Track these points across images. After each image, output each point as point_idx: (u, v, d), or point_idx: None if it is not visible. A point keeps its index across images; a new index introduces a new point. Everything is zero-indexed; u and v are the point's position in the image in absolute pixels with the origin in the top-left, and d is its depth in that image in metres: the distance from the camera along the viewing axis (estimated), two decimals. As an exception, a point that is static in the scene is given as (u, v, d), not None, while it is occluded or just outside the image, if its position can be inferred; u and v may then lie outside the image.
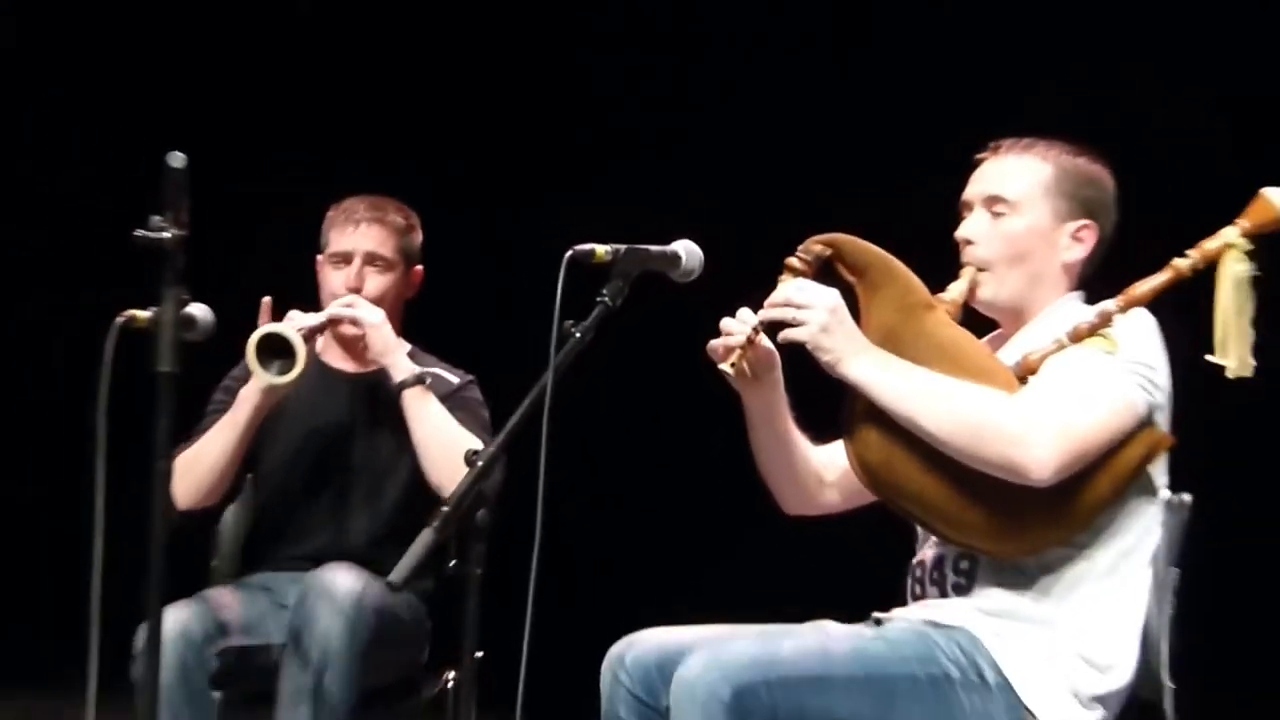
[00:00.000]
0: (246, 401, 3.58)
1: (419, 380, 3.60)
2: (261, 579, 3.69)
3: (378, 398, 3.70)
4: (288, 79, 7.55)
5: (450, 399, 3.65)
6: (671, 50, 7.22)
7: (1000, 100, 3.67)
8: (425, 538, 2.65)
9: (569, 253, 2.79)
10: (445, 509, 2.68)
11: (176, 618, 3.17)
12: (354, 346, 3.73)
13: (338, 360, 3.81)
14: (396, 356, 3.63)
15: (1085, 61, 6.28)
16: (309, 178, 4.05)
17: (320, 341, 3.76)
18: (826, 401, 3.08)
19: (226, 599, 3.55)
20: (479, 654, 3.26)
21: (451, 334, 3.90)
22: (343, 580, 3.36)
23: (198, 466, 3.57)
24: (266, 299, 3.53)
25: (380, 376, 3.68)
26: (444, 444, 3.53)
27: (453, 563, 2.75)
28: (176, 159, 2.61)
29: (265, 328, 3.46)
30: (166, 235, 2.66)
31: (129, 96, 7.42)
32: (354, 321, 3.63)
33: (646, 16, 7.18)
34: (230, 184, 3.75)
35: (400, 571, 2.65)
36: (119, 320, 2.78)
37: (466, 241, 5.80)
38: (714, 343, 3.02)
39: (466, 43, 7.38)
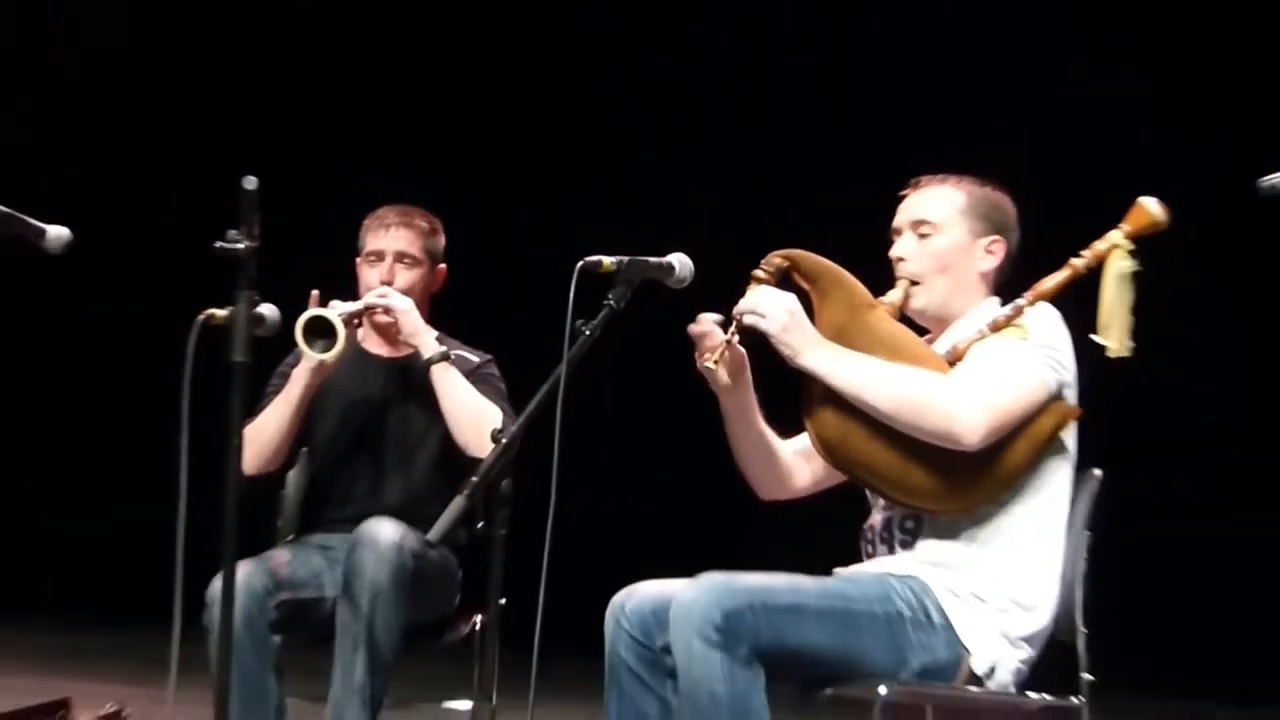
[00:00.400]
0: (298, 380, 3.59)
1: (445, 357, 3.60)
2: (318, 539, 3.70)
3: (410, 378, 3.71)
4: (332, 114, 7.62)
5: (472, 374, 3.65)
6: (670, 96, 7.30)
7: (920, 143, 3.69)
8: (458, 503, 2.68)
9: (580, 263, 2.82)
10: (474, 479, 2.71)
11: (243, 573, 3.15)
12: (389, 333, 3.73)
13: (375, 347, 3.81)
14: (425, 337, 3.62)
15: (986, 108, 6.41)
16: (352, 194, 4.04)
17: (360, 332, 3.76)
18: (789, 402, 3.13)
19: (284, 558, 3.56)
20: (502, 601, 3.34)
21: (479, 334, 3.91)
22: (385, 531, 3.35)
23: (260, 437, 3.57)
24: (314, 291, 3.53)
25: (412, 360, 3.69)
26: (468, 411, 3.55)
27: (480, 524, 2.79)
28: (249, 182, 2.66)
29: (311, 311, 3.45)
30: (240, 246, 2.70)
31: (208, 132, 7.49)
32: (386, 309, 3.63)
33: (652, 60, 7.25)
34: (287, 200, 3.75)
35: (437, 531, 2.68)
36: (200, 318, 2.81)
37: (494, 255, 5.83)
38: (693, 332, 3.05)
39: (499, 81, 7.44)
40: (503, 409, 3.58)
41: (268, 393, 3.66)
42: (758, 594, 2.88)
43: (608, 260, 2.85)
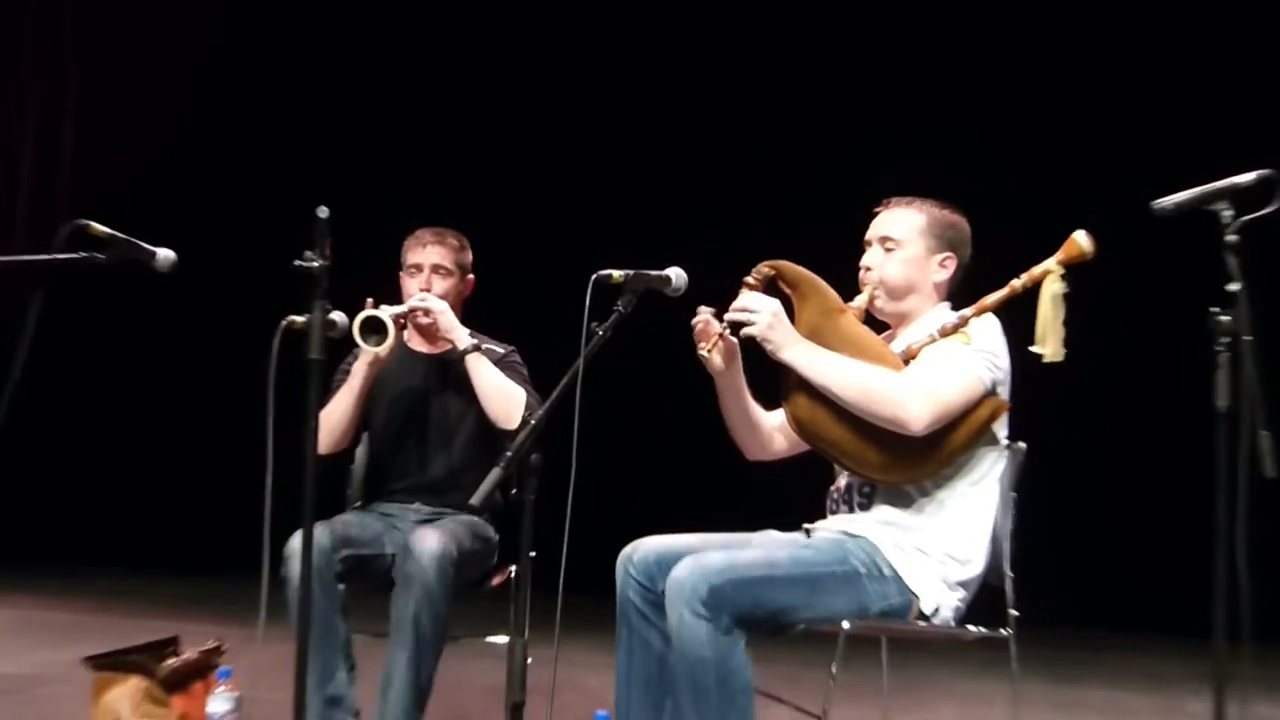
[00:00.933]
0: (358, 373, 3.60)
1: (476, 348, 3.60)
2: (380, 507, 3.69)
3: (448, 370, 3.70)
4: (379, 149, 7.64)
5: (500, 362, 3.64)
6: (674, 134, 7.33)
7: (887, 170, 3.68)
8: (495, 473, 2.68)
9: (594, 276, 2.82)
10: (508, 454, 2.71)
11: (318, 536, 3.15)
12: (429, 333, 3.72)
13: (419, 346, 3.80)
14: (458, 333, 3.61)
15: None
16: (395, 220, 4.04)
17: (406, 333, 3.76)
18: (771, 384, 3.14)
19: (348, 520, 3.57)
20: (533, 554, 3.33)
21: (510, 338, 3.91)
22: (430, 544, 3.32)
23: (330, 422, 3.56)
24: (369, 299, 3.53)
25: (449, 355, 3.68)
26: (498, 392, 3.55)
27: (514, 491, 2.78)
28: (322, 211, 2.65)
29: (365, 312, 3.46)
30: (315, 264, 2.69)
31: (285, 171, 7.51)
32: (426, 311, 3.62)
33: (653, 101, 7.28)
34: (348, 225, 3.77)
35: (478, 496, 2.68)
36: (283, 323, 2.80)
37: (522, 271, 5.82)
38: (703, 332, 3.05)
39: (526, 122, 7.49)
40: (526, 389, 3.59)
41: (334, 386, 3.66)
42: (735, 569, 2.86)
43: (616, 273, 2.85)
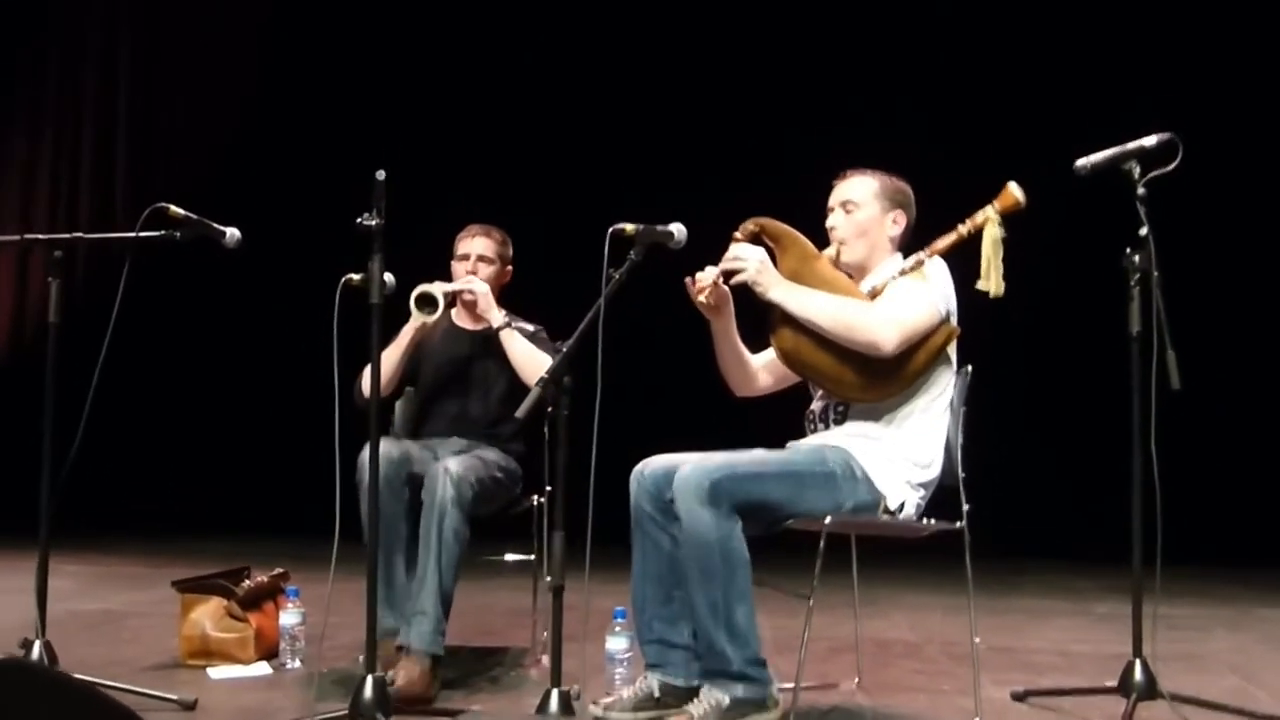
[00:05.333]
0: (406, 334, 3.60)
1: (508, 324, 3.63)
2: (425, 442, 3.68)
3: (487, 343, 3.70)
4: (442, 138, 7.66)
5: (530, 338, 3.66)
6: (679, 105, 7.42)
7: (849, 144, 3.72)
8: (535, 391, 2.69)
9: (610, 229, 2.83)
10: (545, 376, 2.72)
11: (383, 447, 3.06)
12: (472, 311, 3.73)
13: (463, 322, 3.81)
14: (495, 313, 3.65)
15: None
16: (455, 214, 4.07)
17: (454, 312, 3.80)
18: (755, 328, 3.17)
19: (412, 447, 3.56)
20: (548, 489, 3.36)
21: (541, 282, 3.94)
22: (451, 467, 3.35)
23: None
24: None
25: (488, 332, 3.69)
26: (529, 359, 3.57)
27: (549, 409, 2.79)
28: (380, 174, 2.65)
29: (422, 287, 3.50)
30: (373, 224, 2.70)
31: (350, 135, 7.50)
32: (470, 292, 3.66)
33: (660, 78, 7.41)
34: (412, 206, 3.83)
35: (522, 409, 2.69)
36: (344, 280, 2.81)
37: (552, 225, 5.84)
38: (690, 282, 3.07)
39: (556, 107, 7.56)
40: (552, 356, 3.58)
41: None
42: (730, 466, 2.89)
43: (630, 227, 2.86)
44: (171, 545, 6.74)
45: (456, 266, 3.78)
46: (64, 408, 3.22)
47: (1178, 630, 4.25)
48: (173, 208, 3.25)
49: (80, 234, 3.23)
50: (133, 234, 3.21)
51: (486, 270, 3.74)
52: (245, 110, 8.26)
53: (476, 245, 3.76)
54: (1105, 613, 4.95)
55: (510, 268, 3.84)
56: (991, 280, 3.01)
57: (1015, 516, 4.24)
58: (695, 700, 2.88)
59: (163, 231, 3.24)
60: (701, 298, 3.06)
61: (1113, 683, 3.11)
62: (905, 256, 3.13)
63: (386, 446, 3.25)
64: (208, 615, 3.67)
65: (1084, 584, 5.75)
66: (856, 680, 3.49)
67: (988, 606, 4.99)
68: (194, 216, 3.27)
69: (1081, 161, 3.07)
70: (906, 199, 3.20)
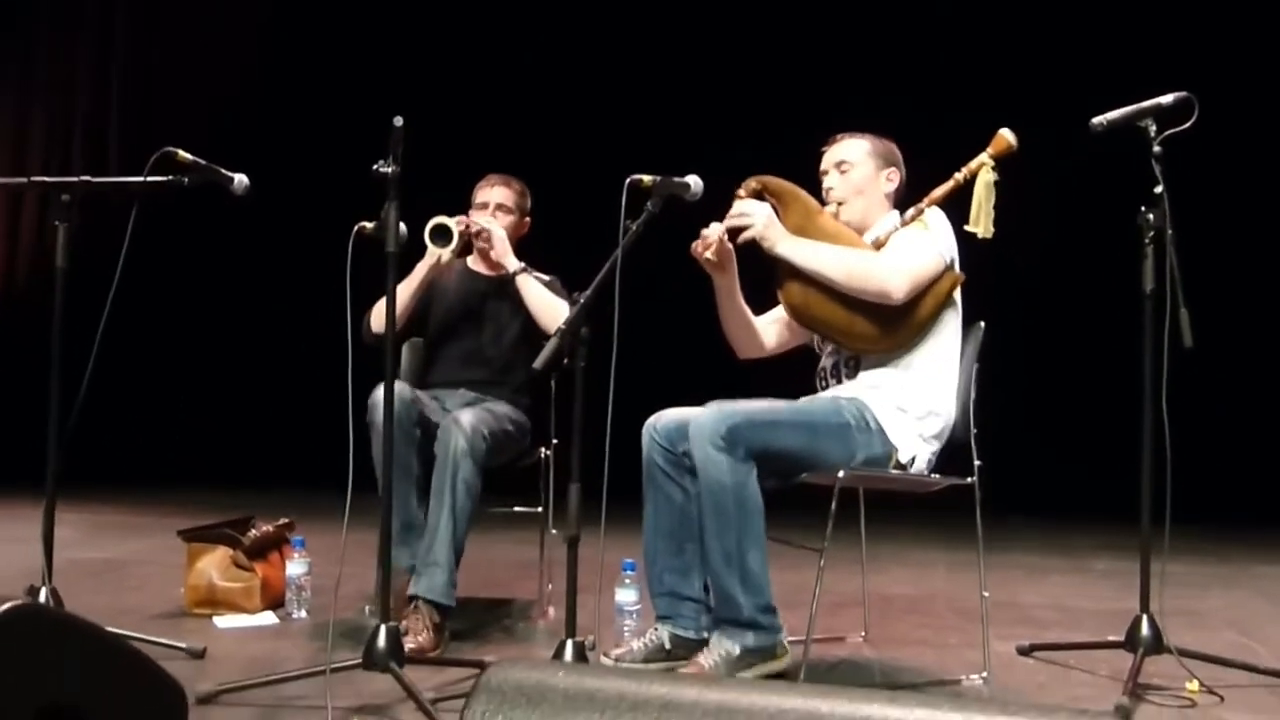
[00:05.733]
0: (419, 271, 3.58)
1: (524, 269, 3.62)
2: (433, 393, 3.66)
3: (501, 288, 3.68)
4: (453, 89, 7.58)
5: (546, 286, 3.65)
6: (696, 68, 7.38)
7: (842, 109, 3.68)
8: (553, 342, 2.66)
9: (628, 180, 2.79)
10: (562, 327, 2.69)
11: (396, 387, 3.09)
12: (488, 257, 3.72)
13: (478, 267, 3.80)
14: (510, 259, 3.62)
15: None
16: (468, 162, 4.02)
17: (469, 259, 3.78)
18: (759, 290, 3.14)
19: (420, 392, 3.54)
20: (555, 442, 3.33)
21: (562, 230, 3.90)
22: (465, 419, 3.33)
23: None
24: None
25: (504, 278, 3.67)
26: (545, 304, 3.56)
27: (565, 360, 2.76)
28: (398, 120, 2.61)
29: (438, 219, 3.47)
30: (389, 171, 2.66)
31: (361, 82, 7.43)
32: (487, 233, 3.64)
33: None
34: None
35: (540, 360, 2.65)
36: (357, 227, 2.77)
37: (573, 176, 5.79)
38: (696, 243, 3.06)
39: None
40: (568, 303, 3.56)
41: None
42: (748, 413, 2.90)
43: (647, 178, 2.82)
44: (169, 495, 6.72)
45: (474, 214, 3.75)
46: (67, 356, 3.18)
47: (1175, 587, 4.26)
48: (180, 152, 3.20)
49: (88, 178, 3.17)
50: (140, 178, 3.16)
51: (505, 220, 3.72)
52: (250, 57, 8.14)
53: (496, 194, 3.74)
54: (1104, 569, 4.98)
55: (528, 219, 3.81)
56: (981, 223, 3.02)
57: (1012, 473, 4.22)
58: (705, 650, 2.90)
59: (171, 177, 3.20)
60: (708, 254, 3.04)
61: (1116, 637, 3.12)
62: (901, 213, 3.13)
63: (398, 387, 3.23)
64: (214, 565, 3.66)
65: (1080, 541, 5.78)
66: (863, 634, 3.50)
67: (986, 562, 5.01)
68: (202, 162, 3.23)
69: (1097, 119, 3.04)
70: (897, 157, 3.21)
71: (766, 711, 1.33)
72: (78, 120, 8.35)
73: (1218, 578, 4.86)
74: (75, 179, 3.13)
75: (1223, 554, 5.50)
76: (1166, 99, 3.08)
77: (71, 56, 8.36)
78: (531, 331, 3.60)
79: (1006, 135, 3.03)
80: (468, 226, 3.62)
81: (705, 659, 2.87)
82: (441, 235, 3.45)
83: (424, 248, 3.48)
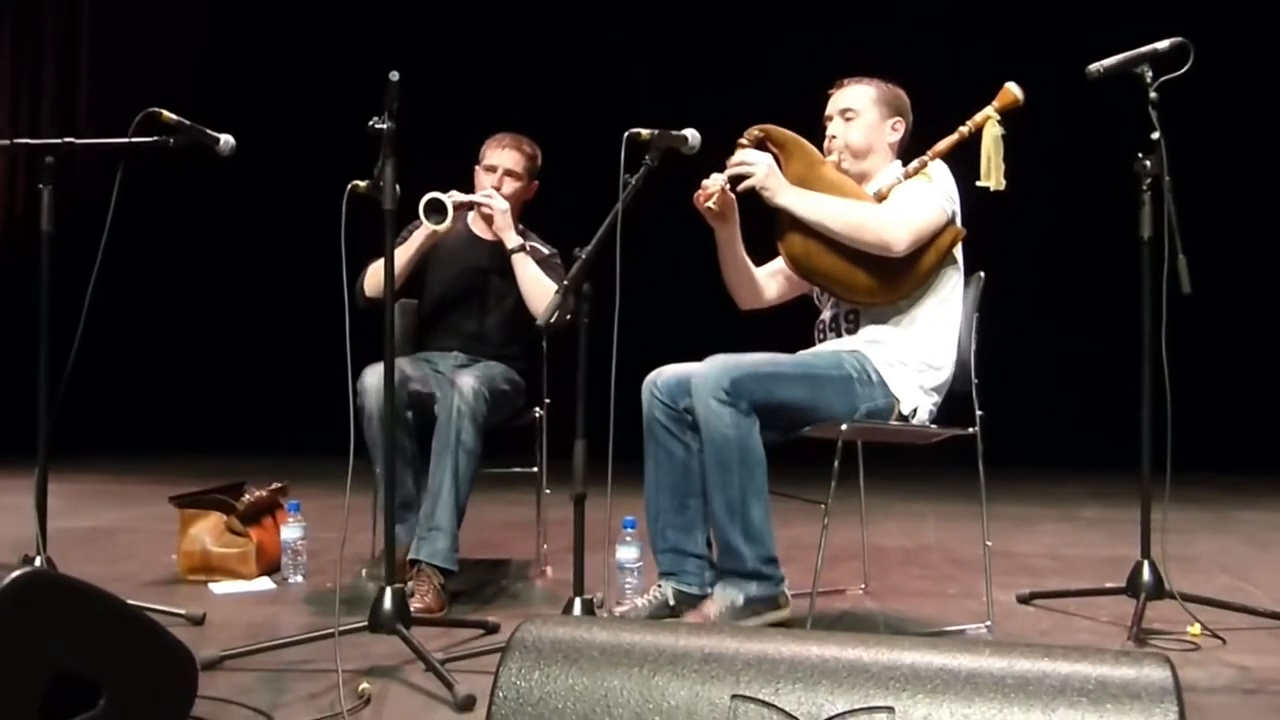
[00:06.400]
0: (416, 239, 3.53)
1: (522, 248, 3.56)
2: (425, 355, 3.63)
3: (499, 253, 3.63)
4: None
5: (542, 263, 3.60)
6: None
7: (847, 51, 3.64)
8: (555, 298, 2.63)
9: (626, 133, 2.74)
10: (565, 283, 2.66)
11: (381, 370, 3.06)
12: (490, 222, 3.66)
13: (479, 230, 3.74)
14: (509, 234, 3.57)
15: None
16: (464, 116, 3.95)
17: (470, 216, 3.72)
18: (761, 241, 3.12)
19: (403, 363, 3.48)
20: (548, 401, 3.30)
21: (565, 183, 3.86)
22: (467, 383, 3.31)
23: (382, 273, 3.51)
24: (452, 192, 3.49)
25: (503, 242, 3.62)
26: (536, 287, 3.51)
27: (568, 316, 2.73)
28: (394, 75, 2.56)
29: (432, 194, 3.41)
30: (384, 127, 2.61)
31: (353, 38, 7.33)
32: (490, 208, 3.59)
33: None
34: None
35: (543, 316, 2.63)
36: (350, 186, 2.72)
37: (573, 130, 5.74)
38: (699, 192, 3.03)
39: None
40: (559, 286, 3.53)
41: (396, 243, 3.58)
42: (751, 365, 2.88)
43: (645, 132, 2.78)
44: (155, 462, 6.68)
45: (481, 175, 3.68)
46: (54, 323, 3.13)
47: (1165, 533, 4.30)
48: (165, 113, 3.13)
49: (72, 139, 3.10)
50: (125, 139, 3.10)
51: (511, 186, 3.65)
52: (228, 13, 8.01)
53: (506, 158, 3.66)
54: (1093, 517, 5.02)
55: (536, 183, 3.74)
56: (992, 177, 3.00)
57: (1005, 424, 4.25)
58: (709, 600, 2.90)
59: (156, 137, 3.14)
60: (710, 204, 3.01)
61: (1115, 584, 3.14)
62: (905, 163, 3.10)
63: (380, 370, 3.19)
64: (207, 530, 3.62)
65: (1066, 490, 5.82)
66: (863, 586, 3.51)
67: (975, 513, 5.03)
68: (186, 122, 3.16)
69: (1094, 66, 3.02)
70: (904, 105, 3.17)
71: (808, 662, 1.32)
72: (45, 87, 8.18)
73: (1203, 523, 4.91)
74: (59, 140, 3.06)
75: (1205, 500, 5.55)
76: (1162, 45, 3.06)
77: (38, 22, 8.19)
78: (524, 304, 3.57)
79: (1013, 89, 3.00)
80: (464, 205, 3.56)
81: (710, 608, 2.87)
82: (436, 210, 3.39)
83: (414, 206, 3.43)
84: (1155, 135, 3.02)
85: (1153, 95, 3.02)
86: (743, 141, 3.01)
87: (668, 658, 1.36)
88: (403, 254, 3.51)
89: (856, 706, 1.21)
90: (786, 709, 1.24)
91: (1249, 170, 7.11)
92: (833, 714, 1.22)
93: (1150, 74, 3.04)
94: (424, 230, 3.49)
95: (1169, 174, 3.01)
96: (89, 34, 8.20)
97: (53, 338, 3.07)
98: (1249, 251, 7.08)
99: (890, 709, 1.20)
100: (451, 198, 3.45)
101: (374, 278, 3.46)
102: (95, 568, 3.70)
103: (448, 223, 3.40)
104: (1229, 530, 4.81)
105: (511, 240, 3.57)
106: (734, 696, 1.28)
